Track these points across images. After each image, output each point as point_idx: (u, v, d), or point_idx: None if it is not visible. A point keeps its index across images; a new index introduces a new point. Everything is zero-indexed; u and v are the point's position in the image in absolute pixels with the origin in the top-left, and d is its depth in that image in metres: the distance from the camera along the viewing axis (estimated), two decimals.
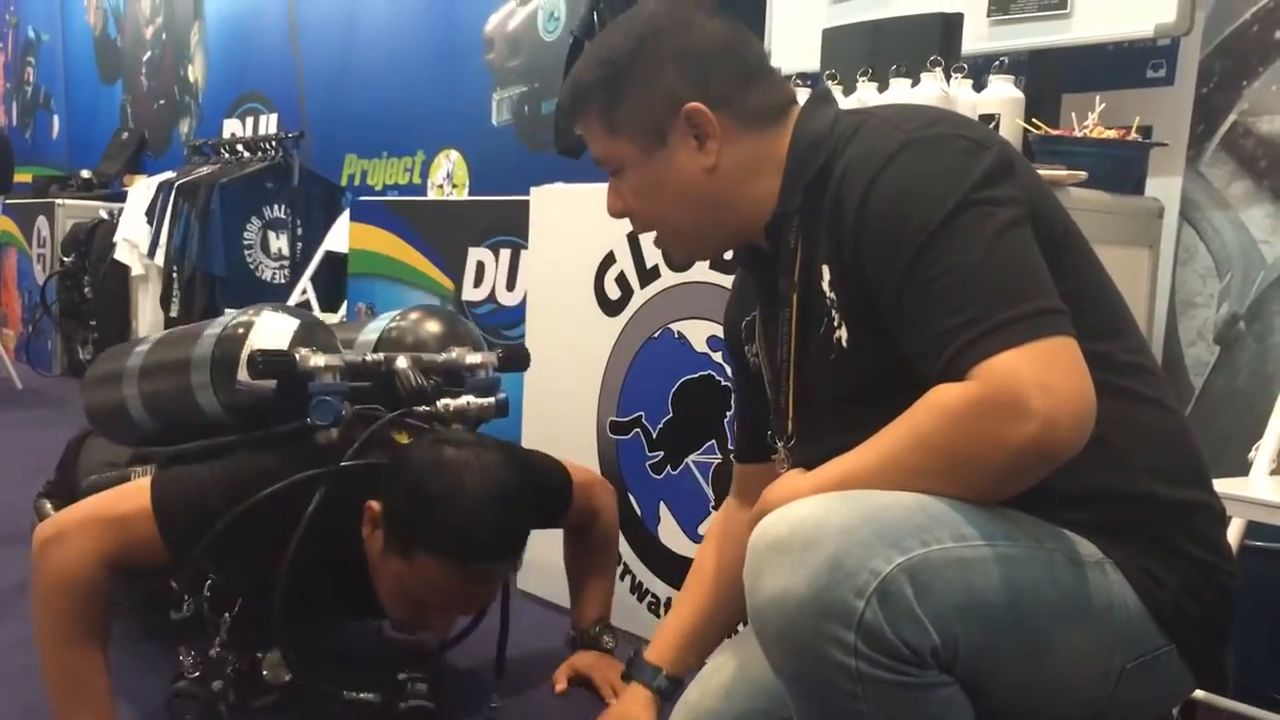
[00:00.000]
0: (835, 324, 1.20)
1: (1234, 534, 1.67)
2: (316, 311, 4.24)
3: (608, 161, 1.32)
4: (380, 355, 1.77)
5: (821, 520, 1.01)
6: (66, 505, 2.43)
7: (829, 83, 2.05)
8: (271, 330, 1.75)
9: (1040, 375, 1.01)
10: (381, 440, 1.68)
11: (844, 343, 1.20)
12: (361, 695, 1.75)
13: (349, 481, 1.65)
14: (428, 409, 1.73)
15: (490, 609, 1.84)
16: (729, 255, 1.50)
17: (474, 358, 1.82)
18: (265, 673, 1.72)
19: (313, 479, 1.64)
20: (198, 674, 1.68)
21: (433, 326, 1.90)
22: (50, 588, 1.59)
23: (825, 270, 1.20)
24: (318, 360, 1.67)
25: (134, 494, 1.66)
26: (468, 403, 1.76)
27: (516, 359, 1.92)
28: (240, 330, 1.75)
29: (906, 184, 1.11)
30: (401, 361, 1.75)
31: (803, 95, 1.31)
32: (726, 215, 1.30)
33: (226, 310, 3.49)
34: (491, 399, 1.78)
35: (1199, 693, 1.65)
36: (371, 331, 1.92)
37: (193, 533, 1.62)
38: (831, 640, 0.98)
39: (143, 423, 1.91)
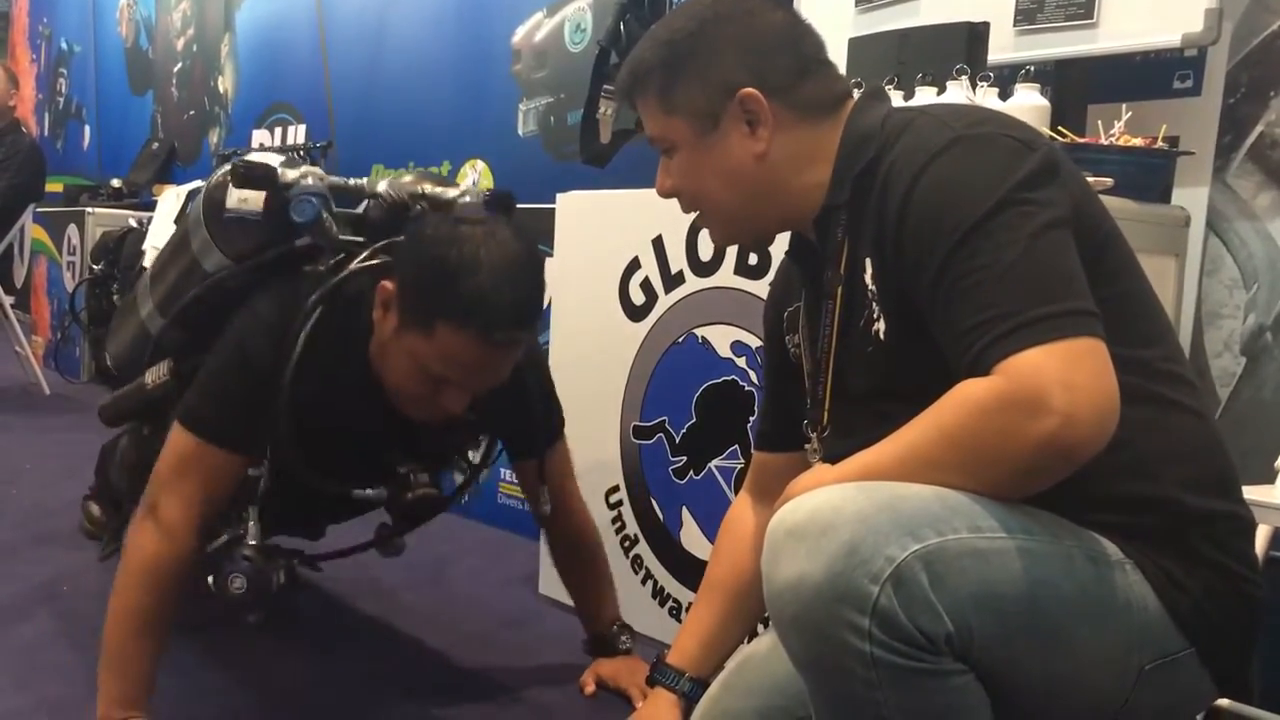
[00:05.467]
0: (875, 316, 1.21)
1: (1259, 542, 1.66)
2: None
3: (661, 140, 1.34)
4: (363, 180, 1.79)
5: (838, 507, 1.02)
6: (110, 506, 2.48)
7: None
8: (257, 155, 1.79)
9: (1064, 373, 1.01)
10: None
11: (882, 335, 1.21)
12: (368, 492, 1.78)
13: (346, 297, 1.67)
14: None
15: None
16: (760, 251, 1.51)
17: (454, 191, 1.81)
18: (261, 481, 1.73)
19: (310, 308, 1.66)
20: (254, 541, 1.70)
21: (424, 180, 1.88)
22: (134, 571, 1.63)
23: (868, 263, 1.21)
24: (297, 172, 1.70)
25: (174, 441, 1.68)
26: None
27: (502, 200, 1.88)
28: (223, 177, 1.78)
29: (950, 179, 1.12)
30: (382, 185, 1.76)
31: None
32: (772, 203, 1.31)
33: None
34: None
35: (1223, 701, 1.63)
36: (360, 180, 1.93)
37: (241, 418, 1.65)
38: (847, 625, 0.99)
39: (163, 333, 1.94)
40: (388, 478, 1.79)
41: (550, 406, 2.00)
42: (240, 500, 1.75)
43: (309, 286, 1.69)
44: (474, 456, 2.04)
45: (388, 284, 1.64)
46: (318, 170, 1.74)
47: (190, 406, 1.70)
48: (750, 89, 1.27)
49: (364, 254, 1.71)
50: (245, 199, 1.71)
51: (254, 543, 1.71)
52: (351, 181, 1.77)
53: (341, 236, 1.74)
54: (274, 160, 1.76)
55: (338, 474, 1.80)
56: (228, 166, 1.77)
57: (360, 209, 1.80)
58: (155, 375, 1.94)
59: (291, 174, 1.70)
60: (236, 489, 1.72)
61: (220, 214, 1.75)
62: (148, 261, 5.19)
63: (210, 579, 1.70)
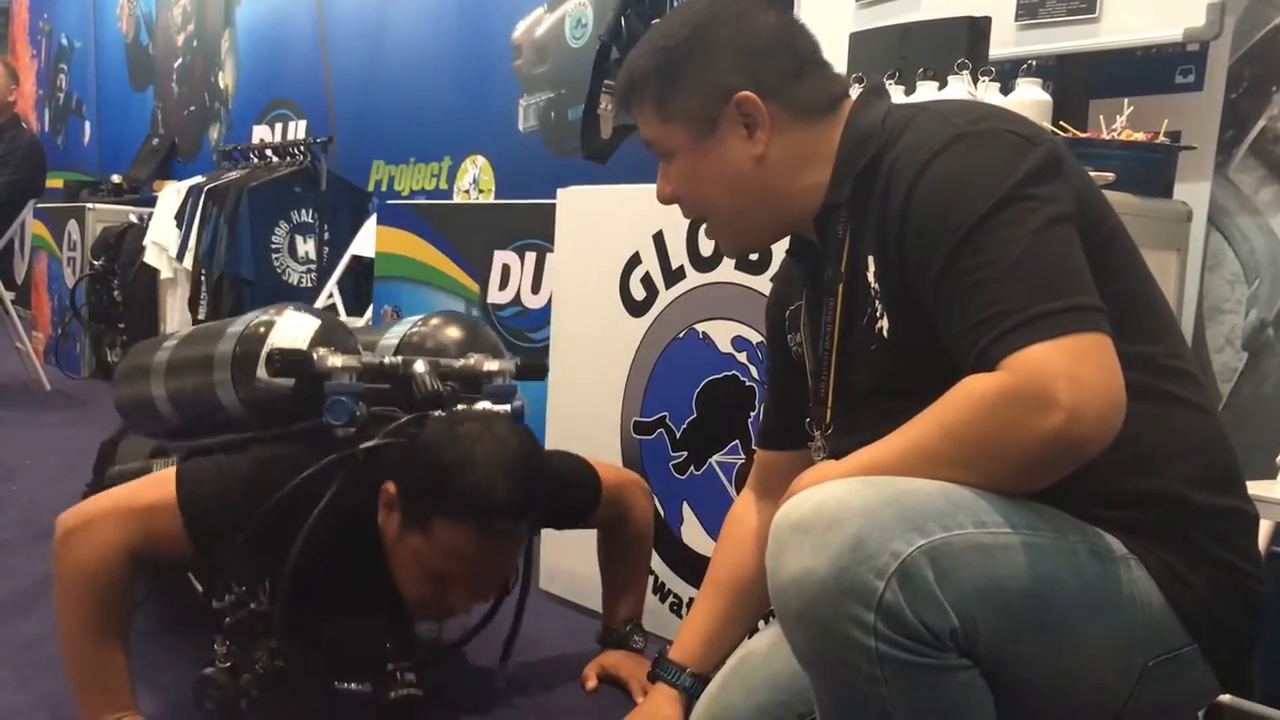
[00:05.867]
0: (878, 315, 1.21)
1: (1262, 538, 1.66)
2: (343, 315, 4.27)
3: (658, 146, 1.34)
4: (399, 359, 1.78)
5: (844, 502, 1.02)
6: None
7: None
8: (291, 329, 1.77)
9: (1070, 368, 1.01)
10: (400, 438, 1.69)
11: (885, 334, 1.20)
12: (352, 686, 1.76)
13: (368, 475, 1.66)
14: (444, 414, 1.74)
15: (505, 604, 1.85)
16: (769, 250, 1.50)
17: (492, 364, 1.82)
18: (257, 663, 1.71)
19: (334, 465, 1.65)
20: (230, 664, 1.69)
21: (453, 332, 1.91)
22: (72, 579, 1.60)
23: (870, 261, 1.21)
24: (335, 360, 1.69)
25: (159, 485, 1.67)
26: (483, 409, 1.76)
27: (534, 369, 1.93)
28: (261, 329, 1.77)
29: (953, 176, 1.12)
30: (419, 365, 1.76)
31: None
32: (773, 205, 1.31)
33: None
34: (508, 406, 1.79)
35: (1225, 697, 1.64)
36: (393, 336, 1.93)
37: (215, 525, 1.63)
38: (852, 620, 0.99)
39: (169, 417, 1.93)
40: (373, 666, 1.77)
41: (577, 501, 1.98)
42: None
43: (332, 449, 1.67)
44: None
45: (389, 486, 1.65)
46: (353, 354, 1.72)
47: (193, 481, 1.67)
48: (746, 92, 1.26)
49: (396, 424, 1.69)
50: (276, 381, 1.71)
51: (225, 665, 1.69)
52: (386, 361, 1.76)
53: (373, 409, 1.72)
54: (307, 331, 1.76)
55: (326, 658, 1.79)
56: (268, 319, 1.77)
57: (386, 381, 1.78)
58: (161, 468, 1.91)
59: (329, 361, 1.69)
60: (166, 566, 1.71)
61: (250, 377, 1.74)
62: (148, 257, 5.22)
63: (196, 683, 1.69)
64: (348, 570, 1.72)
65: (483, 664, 2.10)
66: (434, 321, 1.94)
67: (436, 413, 1.71)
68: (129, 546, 1.60)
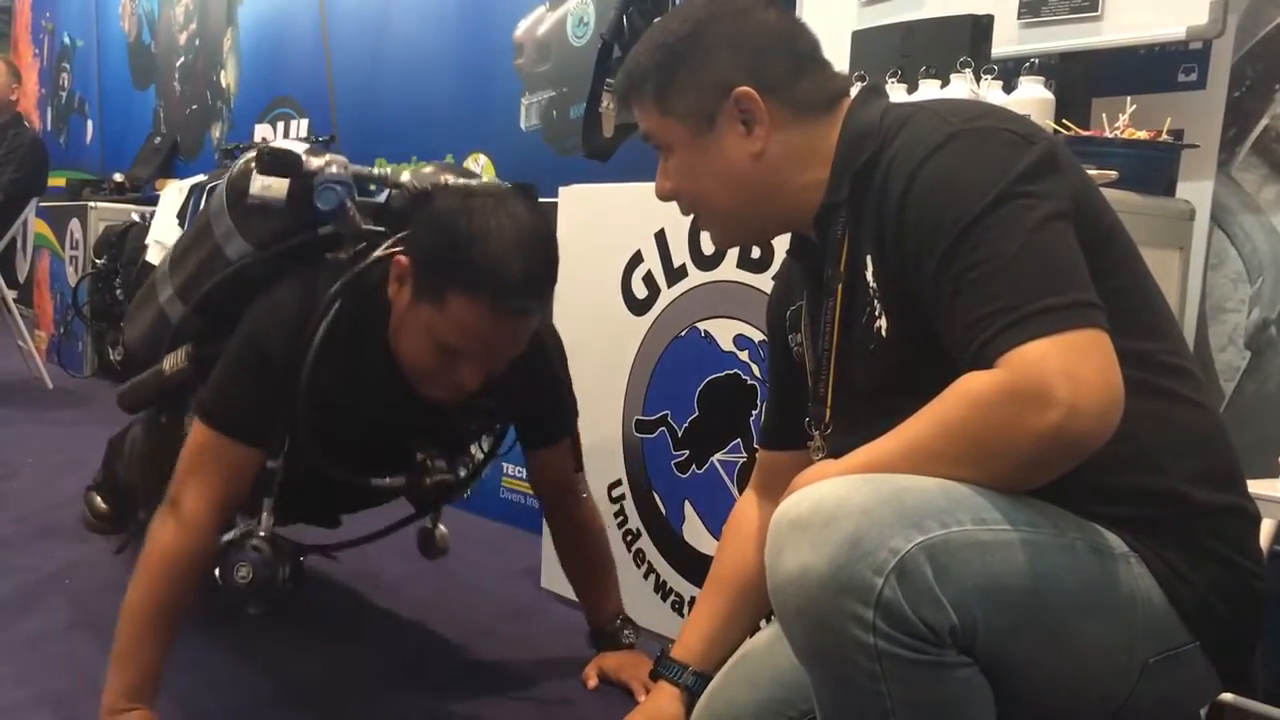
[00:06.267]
0: (876, 313, 1.21)
1: (1264, 536, 1.66)
2: None
3: (657, 141, 1.34)
4: (387, 168, 1.78)
5: (842, 499, 1.02)
6: (114, 497, 2.48)
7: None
8: (283, 142, 1.79)
9: (1068, 365, 1.01)
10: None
11: (884, 332, 1.20)
12: (387, 480, 1.79)
13: (365, 285, 1.67)
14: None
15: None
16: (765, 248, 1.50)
17: (477, 183, 1.80)
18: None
19: (332, 298, 1.66)
20: (263, 532, 1.71)
21: (446, 171, 1.88)
22: (153, 564, 1.63)
23: (869, 260, 1.21)
24: (322, 159, 1.70)
25: (195, 434, 1.68)
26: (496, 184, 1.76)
27: (524, 189, 1.85)
28: (249, 165, 1.77)
29: (949, 174, 1.12)
30: (406, 175, 1.76)
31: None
32: (770, 202, 1.31)
33: None
34: None
35: (1227, 695, 1.63)
36: (385, 169, 1.94)
37: (260, 418, 1.66)
38: (851, 617, 0.99)
39: (182, 320, 1.94)
40: (405, 464, 1.79)
41: (564, 398, 2.00)
42: (255, 491, 1.75)
43: (330, 275, 1.69)
44: (485, 443, 2.04)
45: (401, 258, 1.64)
46: (342, 159, 1.73)
47: (207, 401, 1.70)
48: (745, 88, 1.26)
49: (386, 243, 1.71)
50: (269, 186, 1.71)
51: (264, 534, 1.71)
52: (375, 170, 1.77)
53: (365, 226, 1.74)
54: (299, 148, 1.76)
55: (355, 463, 1.80)
56: (252, 154, 1.77)
57: (383, 198, 1.79)
58: (173, 362, 1.94)
59: (316, 162, 1.70)
60: (255, 480, 1.72)
61: (243, 200, 1.75)
62: (150, 256, 5.22)
63: (217, 569, 1.70)
64: (360, 378, 1.72)
65: (481, 658, 2.11)
66: (428, 168, 1.94)
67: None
68: (217, 501, 1.64)
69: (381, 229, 1.75)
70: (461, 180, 1.77)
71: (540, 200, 2.67)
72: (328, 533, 2.15)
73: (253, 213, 1.76)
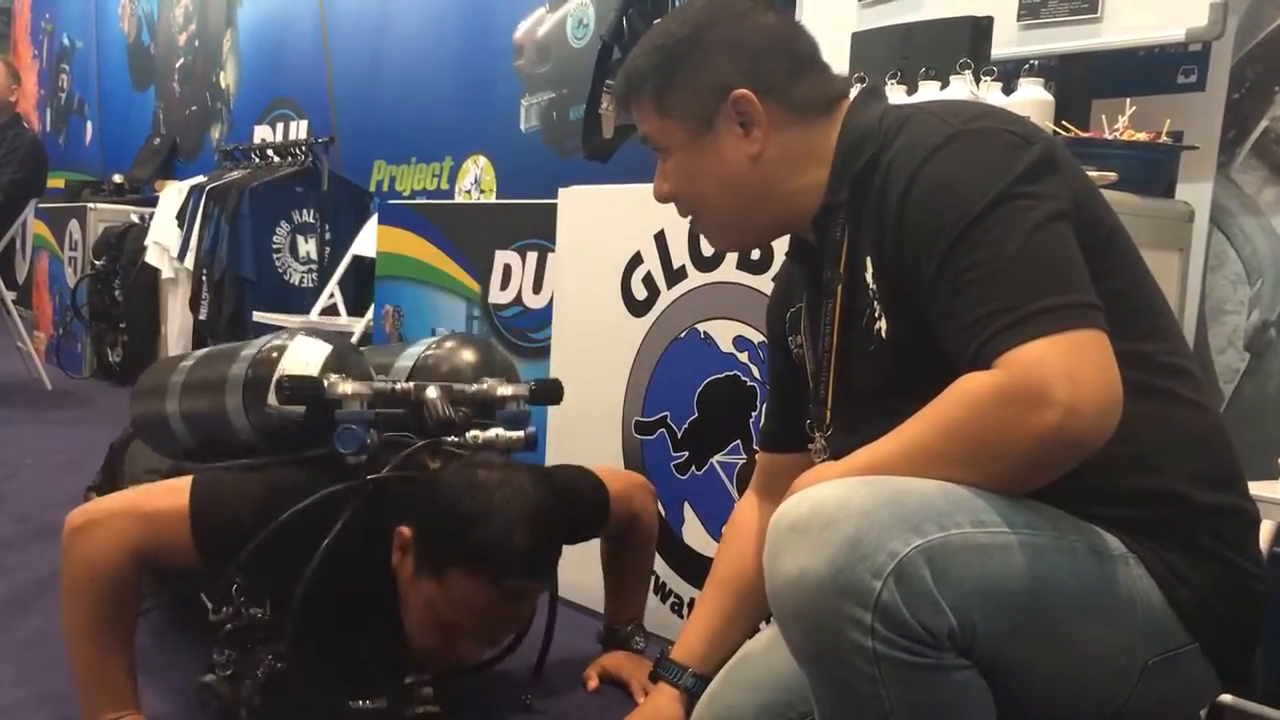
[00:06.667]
0: (876, 315, 1.21)
1: (1264, 538, 1.66)
2: (343, 315, 4.27)
3: (656, 143, 1.34)
4: (410, 384, 1.77)
5: (841, 502, 1.02)
6: None
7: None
8: (303, 355, 1.76)
9: (1067, 365, 1.01)
10: (413, 467, 1.69)
11: (884, 334, 1.21)
12: (367, 704, 1.73)
13: (379, 506, 1.66)
14: (457, 439, 1.73)
15: (533, 622, 1.85)
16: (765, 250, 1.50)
17: (505, 390, 1.82)
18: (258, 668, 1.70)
19: (346, 493, 1.64)
20: (230, 672, 1.68)
21: (467, 355, 1.91)
22: (77, 577, 1.60)
23: (869, 261, 1.21)
24: (345, 388, 1.68)
25: (171, 492, 1.67)
26: (496, 435, 1.76)
27: (548, 393, 1.91)
28: (274, 354, 1.77)
29: (948, 175, 1.12)
30: (431, 391, 1.75)
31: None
32: (768, 204, 1.31)
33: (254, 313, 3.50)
34: (521, 432, 1.78)
35: (1226, 696, 1.63)
36: (407, 358, 1.92)
37: (224, 540, 1.62)
38: (849, 620, 0.99)
39: (183, 438, 1.93)
40: (391, 683, 1.76)
41: (592, 521, 1.98)
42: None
43: (345, 476, 1.66)
44: None
45: (404, 530, 1.65)
46: (363, 387, 1.71)
47: (207, 496, 1.66)
48: (743, 90, 1.26)
49: (405, 453, 1.69)
50: (287, 408, 1.70)
51: (226, 674, 1.67)
52: (398, 387, 1.75)
53: (386, 434, 1.71)
54: (318, 357, 1.75)
55: (339, 674, 1.78)
56: (277, 343, 1.77)
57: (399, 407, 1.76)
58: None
59: (339, 388, 1.68)
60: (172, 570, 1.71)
61: (261, 402, 1.74)
62: (149, 257, 5.22)
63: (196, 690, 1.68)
64: (357, 598, 1.72)
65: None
66: (448, 344, 1.94)
67: (450, 438, 1.71)
68: (135, 548, 1.60)
69: (406, 434, 1.73)
70: (486, 388, 1.79)
71: (539, 201, 2.69)
72: None
73: (269, 417, 1.74)
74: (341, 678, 1.76)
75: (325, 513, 1.63)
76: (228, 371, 1.80)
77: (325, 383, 1.68)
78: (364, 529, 1.65)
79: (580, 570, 2.12)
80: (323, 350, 1.78)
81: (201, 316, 4.69)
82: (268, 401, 1.73)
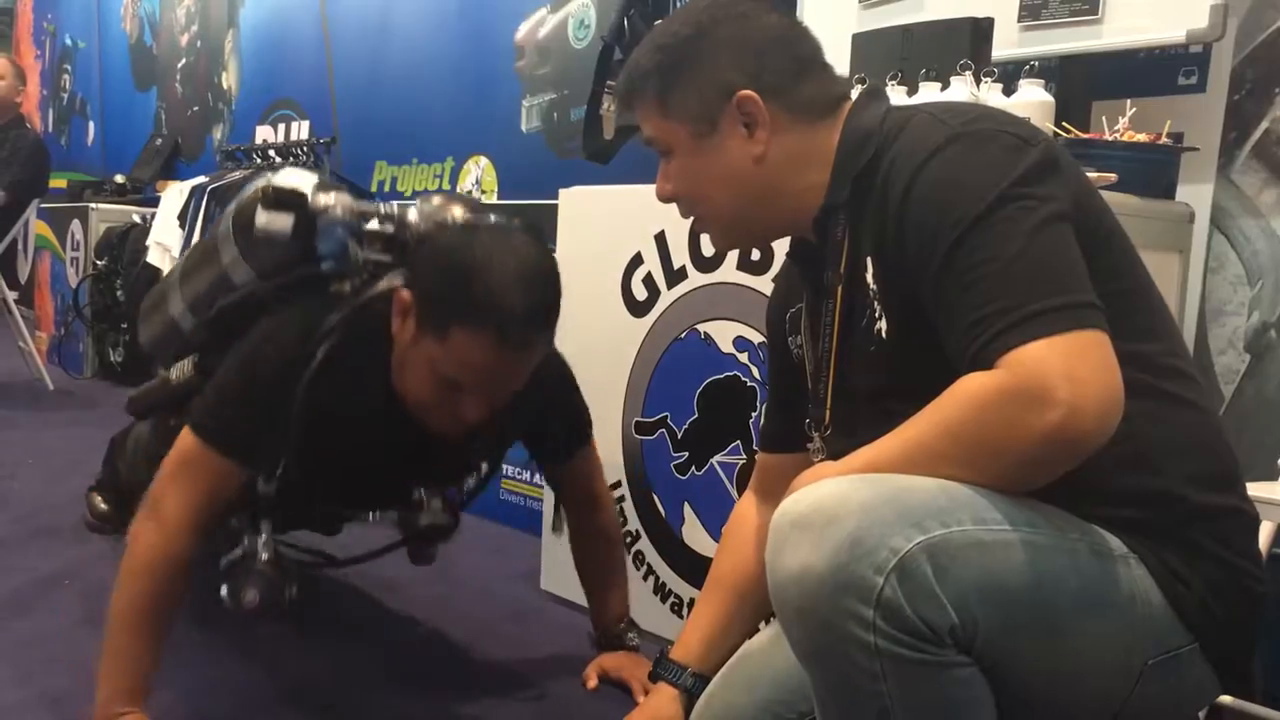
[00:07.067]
0: (876, 316, 1.21)
1: (1263, 539, 1.66)
2: None
3: (658, 145, 1.34)
4: (393, 205, 1.77)
5: (843, 499, 1.02)
6: (115, 497, 2.48)
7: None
8: (289, 177, 1.78)
9: (1068, 366, 1.01)
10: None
11: (884, 335, 1.21)
12: (380, 517, 1.75)
13: (366, 324, 1.66)
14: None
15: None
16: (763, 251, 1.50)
17: (489, 218, 1.79)
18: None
19: (330, 329, 1.65)
20: (267, 555, 1.69)
21: (455, 203, 1.89)
22: (135, 567, 1.62)
23: (869, 262, 1.21)
24: (328, 198, 1.69)
25: (183, 441, 1.68)
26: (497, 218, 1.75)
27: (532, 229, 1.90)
28: (258, 192, 1.77)
29: (949, 176, 1.12)
30: (413, 214, 1.75)
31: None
32: (771, 205, 1.31)
33: None
34: None
35: (1225, 697, 1.63)
36: (391, 205, 1.93)
37: (240, 433, 1.65)
38: (851, 616, 0.99)
39: (190, 330, 1.95)
40: (401, 498, 1.77)
41: (575, 413, 2.00)
42: (253, 506, 1.75)
43: (331, 307, 1.68)
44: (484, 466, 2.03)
45: (404, 293, 1.64)
46: (347, 199, 1.72)
47: (198, 412, 1.70)
48: (747, 91, 1.27)
49: (390, 275, 1.70)
50: (273, 219, 1.71)
51: (267, 556, 1.70)
52: (382, 208, 1.75)
53: (370, 256, 1.73)
54: (308, 183, 1.75)
55: (351, 494, 1.78)
56: (261, 182, 1.78)
57: (387, 226, 1.77)
58: (180, 371, 1.95)
59: (322, 199, 1.69)
60: (240, 493, 1.72)
61: (249, 231, 1.75)
62: (151, 257, 5.22)
63: (224, 591, 1.69)
64: (360, 411, 1.71)
65: (482, 658, 2.11)
66: (435, 198, 1.94)
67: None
68: (196, 508, 1.63)
69: (387, 258, 1.74)
70: (466, 213, 1.77)
71: (540, 201, 2.69)
72: (328, 540, 2.16)
73: (258, 243, 1.76)
74: (353, 499, 1.77)
75: (311, 339, 1.64)
76: (217, 233, 1.83)
77: (308, 194, 1.69)
78: (355, 346, 1.65)
79: (572, 569, 2.13)
80: (310, 177, 1.79)
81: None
82: (255, 225, 1.72)
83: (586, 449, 2.02)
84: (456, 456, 1.83)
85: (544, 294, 1.61)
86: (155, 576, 1.62)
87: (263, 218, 1.71)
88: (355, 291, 1.70)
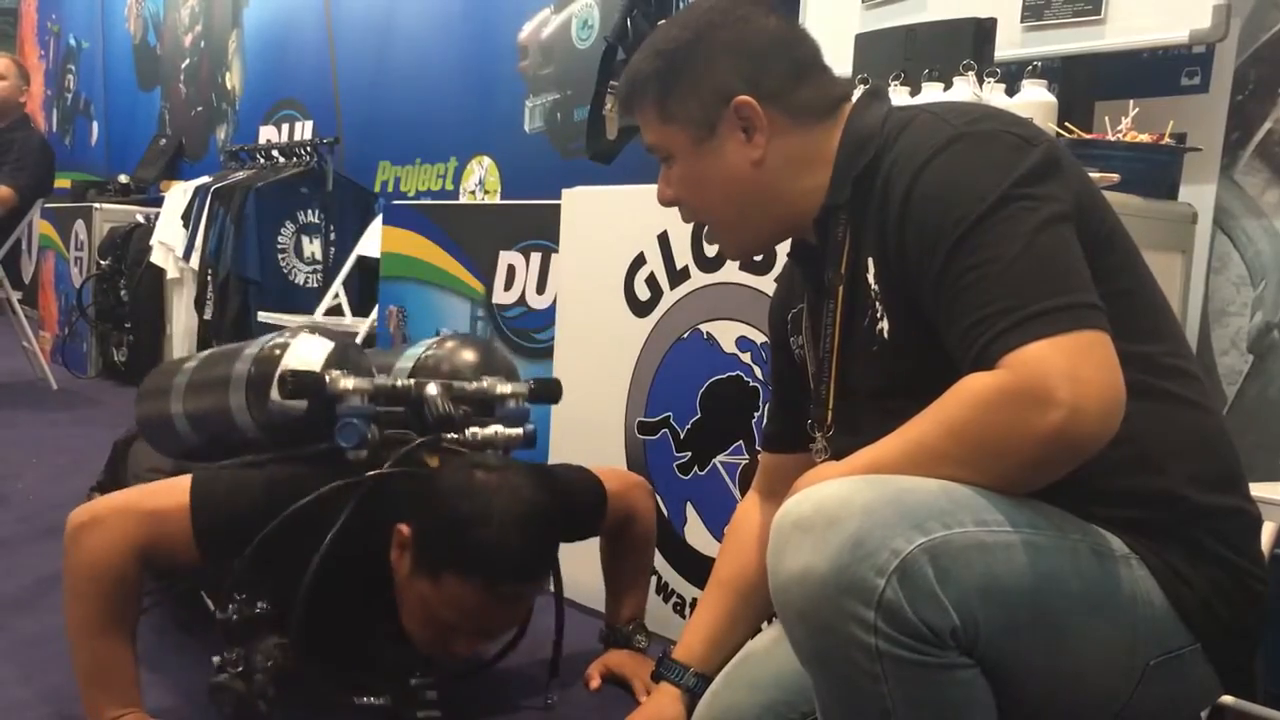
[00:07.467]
0: (878, 316, 1.21)
1: (1265, 539, 1.65)
2: (348, 315, 4.28)
3: (658, 150, 1.35)
4: (411, 381, 1.78)
5: (845, 500, 1.02)
6: None
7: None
8: (305, 352, 1.77)
9: (1070, 366, 1.01)
10: (413, 464, 1.70)
11: (886, 335, 1.21)
12: (370, 700, 1.74)
13: (380, 501, 1.66)
14: (457, 436, 1.74)
15: (537, 618, 1.85)
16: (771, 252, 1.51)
17: (505, 388, 1.82)
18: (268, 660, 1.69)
19: (346, 489, 1.65)
20: (241, 669, 1.68)
21: (467, 355, 1.91)
22: (80, 574, 1.61)
23: (870, 262, 1.21)
24: (346, 383, 1.68)
25: (173, 490, 1.67)
26: (495, 432, 1.77)
27: (548, 392, 1.92)
28: (276, 351, 1.78)
29: (951, 177, 1.12)
30: (432, 388, 1.76)
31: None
32: (772, 208, 1.32)
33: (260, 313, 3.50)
34: (520, 430, 1.79)
35: (1227, 698, 1.63)
36: (407, 359, 1.93)
37: (225, 537, 1.63)
38: (852, 618, 0.99)
39: (187, 436, 1.94)
40: (397, 680, 1.75)
41: (592, 528, 2.00)
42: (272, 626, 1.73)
43: (347, 470, 1.67)
44: None
45: (404, 528, 1.65)
46: (365, 383, 1.71)
47: (210, 480, 1.68)
48: (745, 96, 1.27)
49: (404, 450, 1.69)
50: (290, 404, 1.71)
51: (236, 671, 1.67)
52: (399, 384, 1.76)
53: (387, 434, 1.72)
54: (320, 354, 1.76)
55: (344, 674, 1.78)
56: (280, 340, 1.78)
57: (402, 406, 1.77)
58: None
59: (341, 383, 1.68)
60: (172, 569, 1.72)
61: (263, 397, 1.75)
62: (154, 257, 5.22)
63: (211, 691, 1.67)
64: (357, 593, 1.72)
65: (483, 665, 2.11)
66: (449, 344, 1.94)
67: (449, 435, 1.72)
68: (137, 546, 1.61)
69: (407, 431, 1.73)
70: (485, 385, 1.79)
71: (543, 201, 2.69)
72: None
73: (272, 414, 1.75)
74: (345, 674, 1.76)
75: (326, 508, 1.64)
76: (231, 370, 1.81)
77: (327, 378, 1.68)
78: (365, 524, 1.65)
79: (583, 569, 2.13)
80: (325, 347, 1.79)
81: (206, 316, 4.70)
82: (270, 397, 1.73)
83: (605, 510, 1.98)
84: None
85: (538, 544, 1.63)
86: (106, 585, 1.60)
87: (279, 400, 1.72)
88: (372, 462, 1.69)
